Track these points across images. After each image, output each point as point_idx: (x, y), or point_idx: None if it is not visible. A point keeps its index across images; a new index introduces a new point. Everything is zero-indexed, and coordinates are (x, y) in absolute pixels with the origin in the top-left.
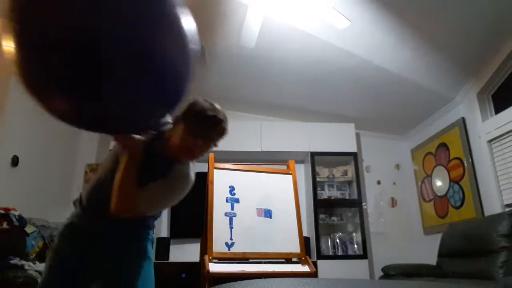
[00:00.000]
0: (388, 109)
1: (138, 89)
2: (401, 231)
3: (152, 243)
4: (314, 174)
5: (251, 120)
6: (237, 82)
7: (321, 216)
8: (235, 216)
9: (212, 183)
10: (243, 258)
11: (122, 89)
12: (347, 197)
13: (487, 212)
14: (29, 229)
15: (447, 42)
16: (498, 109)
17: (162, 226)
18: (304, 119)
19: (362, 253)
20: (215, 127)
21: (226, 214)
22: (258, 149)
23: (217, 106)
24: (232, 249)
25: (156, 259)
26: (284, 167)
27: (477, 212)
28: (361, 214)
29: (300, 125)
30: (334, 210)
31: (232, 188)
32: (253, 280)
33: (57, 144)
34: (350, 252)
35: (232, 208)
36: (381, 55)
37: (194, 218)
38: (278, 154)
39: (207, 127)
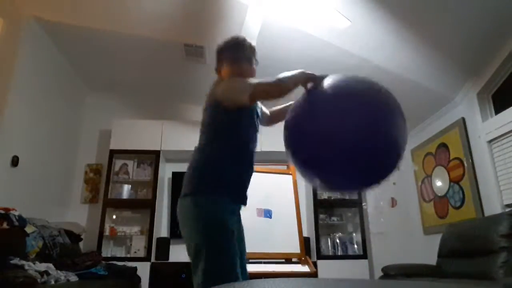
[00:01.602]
0: None
1: None
2: (401, 231)
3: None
4: None
5: None
6: None
7: (321, 216)
8: None
9: None
10: None
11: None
12: (347, 197)
13: (487, 212)
14: (29, 229)
15: (447, 42)
16: (498, 109)
17: (162, 226)
18: None
19: (362, 253)
20: (244, 46)
21: None
22: (258, 149)
23: (233, 35)
24: None
25: (156, 259)
26: (284, 167)
27: (477, 212)
28: (361, 214)
29: None
30: (334, 210)
31: None
32: (253, 280)
33: (57, 144)
34: (350, 252)
35: None
36: (381, 55)
37: None
38: (278, 154)
39: (241, 50)
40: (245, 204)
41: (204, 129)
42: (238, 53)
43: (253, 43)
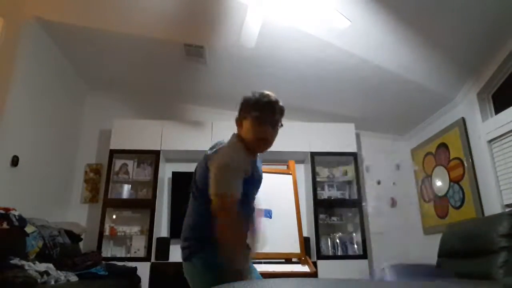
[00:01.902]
0: (388, 109)
1: None
2: (401, 231)
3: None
4: (314, 174)
5: None
6: (237, 82)
7: (321, 216)
8: None
9: None
10: None
11: None
12: (347, 197)
13: (487, 212)
14: (29, 229)
15: (447, 42)
16: (498, 109)
17: (162, 226)
18: (304, 119)
19: (362, 253)
20: (275, 109)
21: None
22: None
23: (266, 92)
24: None
25: (156, 259)
26: (284, 167)
27: (477, 212)
28: (361, 214)
29: (300, 125)
30: (334, 210)
31: None
32: (253, 280)
33: (57, 144)
34: (350, 252)
35: None
36: (381, 55)
37: None
38: (278, 154)
39: (270, 112)
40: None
41: (201, 191)
42: (266, 114)
43: (282, 104)
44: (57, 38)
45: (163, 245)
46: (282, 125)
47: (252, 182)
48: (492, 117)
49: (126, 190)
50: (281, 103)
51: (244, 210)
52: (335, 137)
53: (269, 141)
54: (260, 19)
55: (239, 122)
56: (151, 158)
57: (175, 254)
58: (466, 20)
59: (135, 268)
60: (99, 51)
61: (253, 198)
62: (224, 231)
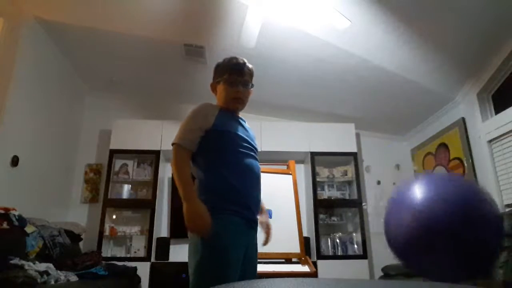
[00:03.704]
0: (388, 109)
1: None
2: None
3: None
4: (314, 174)
5: (251, 120)
6: None
7: (321, 216)
8: None
9: None
10: None
11: None
12: (347, 197)
13: None
14: (29, 229)
15: (447, 42)
16: (498, 109)
17: (162, 226)
18: (304, 119)
19: (362, 253)
20: (243, 69)
21: None
22: (258, 149)
23: (234, 56)
24: None
25: (156, 259)
26: (284, 167)
27: None
28: (361, 214)
29: (300, 125)
30: (334, 210)
31: None
32: (253, 280)
33: (57, 144)
34: (350, 252)
35: None
36: (381, 55)
37: None
38: (278, 154)
39: (238, 73)
40: (255, 222)
41: (196, 155)
42: (236, 75)
43: (251, 66)
44: (57, 38)
45: (163, 245)
46: (253, 86)
47: (231, 136)
48: (492, 117)
49: (126, 190)
50: (249, 65)
51: (238, 165)
52: (335, 137)
53: (241, 100)
54: (260, 19)
55: (214, 88)
56: (151, 158)
57: (175, 254)
58: (466, 20)
59: (135, 268)
60: (99, 51)
61: (247, 154)
62: (174, 175)
